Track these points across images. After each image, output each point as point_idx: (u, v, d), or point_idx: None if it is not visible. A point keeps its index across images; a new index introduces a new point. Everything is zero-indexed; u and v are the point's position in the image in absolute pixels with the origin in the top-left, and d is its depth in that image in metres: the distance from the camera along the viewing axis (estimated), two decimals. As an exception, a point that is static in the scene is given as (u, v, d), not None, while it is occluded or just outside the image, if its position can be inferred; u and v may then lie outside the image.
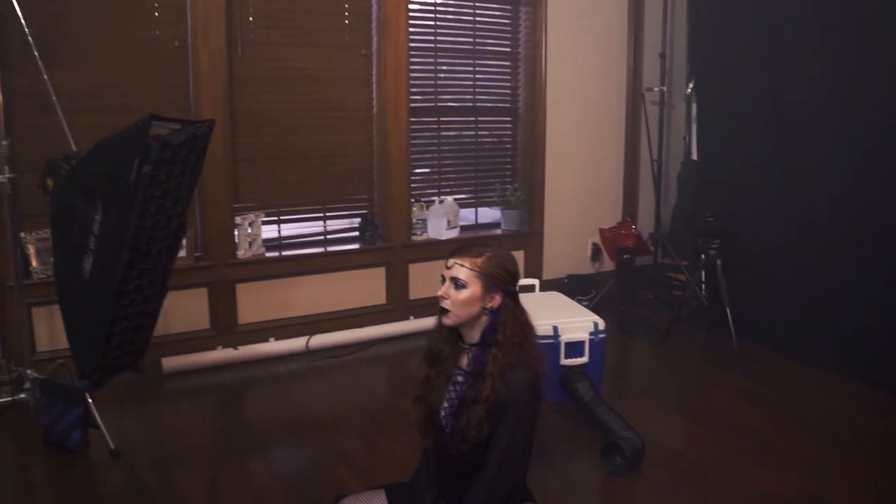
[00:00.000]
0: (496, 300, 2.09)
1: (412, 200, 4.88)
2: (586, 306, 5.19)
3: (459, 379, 2.13)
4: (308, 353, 4.42)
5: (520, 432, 2.03)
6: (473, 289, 2.07)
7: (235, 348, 4.28)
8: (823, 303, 4.27)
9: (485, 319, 2.11)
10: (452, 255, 2.13)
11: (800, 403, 3.74)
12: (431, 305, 4.90)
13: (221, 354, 4.22)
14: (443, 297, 2.09)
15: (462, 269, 2.08)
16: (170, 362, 4.07)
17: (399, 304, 4.79)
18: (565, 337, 3.50)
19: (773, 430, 3.44)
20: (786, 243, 4.49)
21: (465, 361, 2.15)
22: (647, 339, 4.72)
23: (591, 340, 3.55)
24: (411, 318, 4.81)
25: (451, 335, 2.19)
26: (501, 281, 2.09)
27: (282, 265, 4.50)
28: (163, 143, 2.44)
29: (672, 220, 5.79)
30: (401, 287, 4.81)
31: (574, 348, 3.53)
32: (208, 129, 2.74)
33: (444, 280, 2.11)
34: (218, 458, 3.15)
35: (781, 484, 2.94)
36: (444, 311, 2.10)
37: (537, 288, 4.14)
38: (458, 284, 2.07)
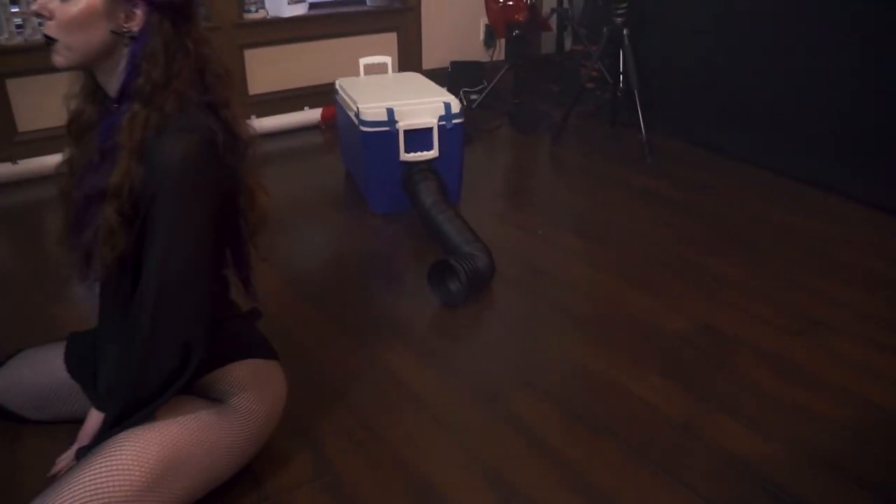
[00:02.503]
0: (137, 17, 1.19)
1: (243, -33, 3.80)
2: (474, 100, 4.34)
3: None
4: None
5: (178, 243, 1.19)
6: (89, -4, 1.16)
7: (15, 162, 3.35)
8: (741, 86, 3.46)
9: (125, 54, 1.22)
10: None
11: (713, 207, 2.98)
12: (275, 101, 3.97)
13: (-6, 171, 3.31)
14: (42, 16, 1.18)
15: (68, -40, 1.16)
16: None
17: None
18: (403, 123, 2.62)
19: (677, 240, 2.65)
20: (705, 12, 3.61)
21: (109, 129, 1.27)
22: (540, 136, 3.88)
23: (441, 127, 2.67)
24: (253, 117, 3.83)
25: (95, 89, 1.31)
26: (142, -19, 1.18)
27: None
28: None
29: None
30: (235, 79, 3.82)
31: (418, 139, 2.65)
32: None
33: (48, -13, 1.20)
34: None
35: (676, 316, 2.14)
36: (50, 42, 1.20)
37: (390, 67, 3.20)
38: (63, -10, 1.16)
